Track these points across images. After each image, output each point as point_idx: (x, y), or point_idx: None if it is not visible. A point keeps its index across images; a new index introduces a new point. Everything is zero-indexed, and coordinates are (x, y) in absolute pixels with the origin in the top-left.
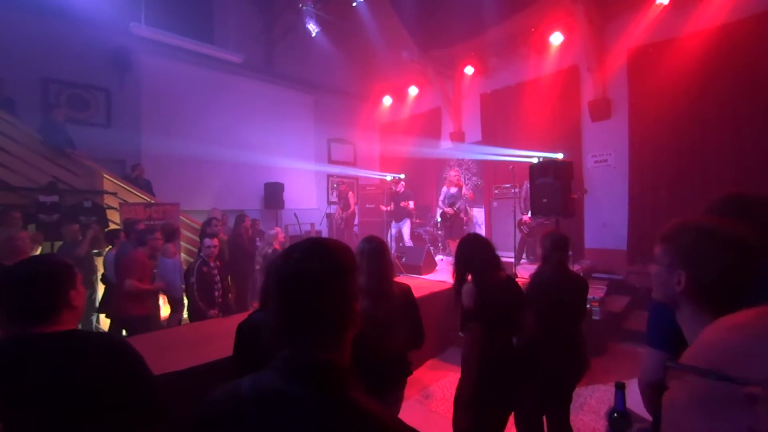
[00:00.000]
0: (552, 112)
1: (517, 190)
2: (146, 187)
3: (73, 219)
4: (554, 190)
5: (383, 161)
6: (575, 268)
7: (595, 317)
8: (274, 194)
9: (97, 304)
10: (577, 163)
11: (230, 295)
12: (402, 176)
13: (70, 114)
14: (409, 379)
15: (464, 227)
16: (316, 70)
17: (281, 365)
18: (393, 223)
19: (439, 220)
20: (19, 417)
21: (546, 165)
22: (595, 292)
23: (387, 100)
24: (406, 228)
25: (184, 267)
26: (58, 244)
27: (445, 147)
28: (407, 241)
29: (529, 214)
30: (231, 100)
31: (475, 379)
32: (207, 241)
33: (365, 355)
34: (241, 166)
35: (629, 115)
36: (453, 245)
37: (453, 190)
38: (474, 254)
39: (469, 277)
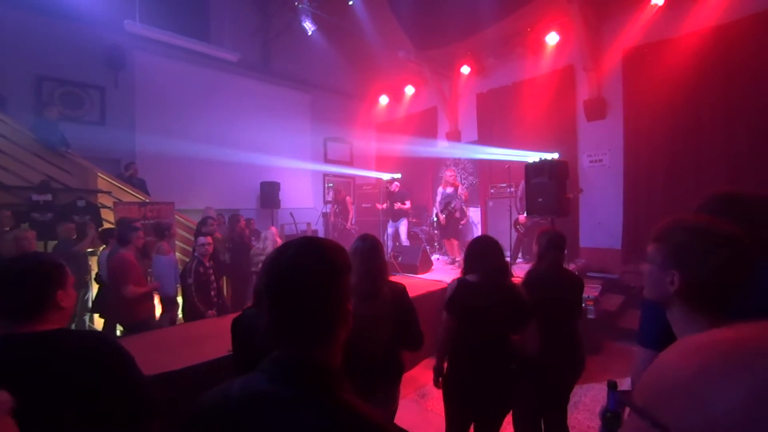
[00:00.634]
0: (547, 111)
1: (513, 189)
2: (140, 186)
3: (66, 218)
4: (550, 190)
5: (379, 161)
6: (570, 267)
7: (589, 316)
8: (270, 193)
9: (90, 304)
10: (572, 162)
11: (224, 295)
12: (398, 176)
13: (64, 112)
14: (404, 378)
15: (460, 227)
16: (312, 69)
17: (271, 367)
18: (390, 223)
19: (435, 219)
20: None
21: (541, 164)
22: (590, 291)
23: (383, 100)
24: (402, 227)
25: (180, 266)
26: (51, 243)
27: (442, 146)
28: (404, 240)
29: (525, 214)
30: (227, 99)
31: (439, 356)
32: (201, 239)
33: (351, 354)
34: (237, 165)
35: (624, 114)
36: (449, 245)
37: (449, 189)
38: (476, 257)
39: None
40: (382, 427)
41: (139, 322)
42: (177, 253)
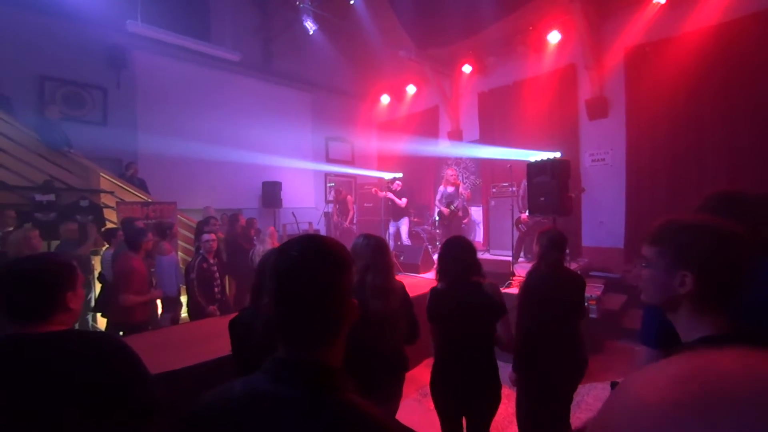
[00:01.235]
0: (549, 110)
1: (514, 188)
2: (141, 186)
3: (69, 218)
4: (552, 189)
5: (381, 160)
6: (572, 266)
7: (592, 315)
8: (271, 193)
9: (93, 303)
10: (574, 161)
11: (228, 293)
12: (399, 175)
13: (66, 112)
14: (407, 377)
15: (463, 226)
16: (313, 68)
17: (273, 367)
18: (391, 222)
19: (437, 218)
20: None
21: (543, 163)
22: (592, 290)
23: (385, 99)
24: (404, 227)
25: (182, 266)
26: (54, 243)
27: (443, 146)
28: (405, 239)
29: (527, 213)
30: (228, 99)
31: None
32: (205, 236)
33: (368, 350)
34: (239, 165)
35: (626, 113)
36: None
37: (450, 189)
38: (440, 263)
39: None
40: (387, 426)
41: (137, 324)
42: (180, 253)
